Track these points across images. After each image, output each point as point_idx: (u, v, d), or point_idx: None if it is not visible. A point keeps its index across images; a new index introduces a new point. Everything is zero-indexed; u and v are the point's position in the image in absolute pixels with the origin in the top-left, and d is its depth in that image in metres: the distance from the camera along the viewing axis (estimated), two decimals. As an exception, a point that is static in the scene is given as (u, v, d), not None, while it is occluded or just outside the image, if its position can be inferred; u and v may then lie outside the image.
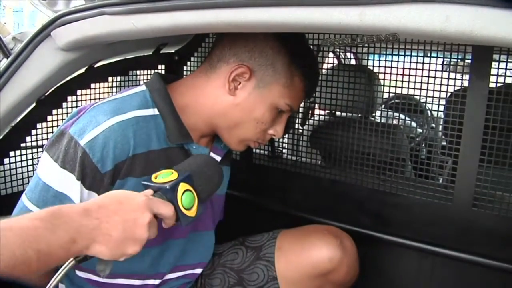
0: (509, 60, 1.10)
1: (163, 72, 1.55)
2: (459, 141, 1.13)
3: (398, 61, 1.24)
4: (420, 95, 1.20)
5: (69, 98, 1.32)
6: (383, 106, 1.77)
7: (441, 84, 1.17)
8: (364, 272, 1.16)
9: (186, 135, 1.00)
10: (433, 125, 2.49)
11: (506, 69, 1.12)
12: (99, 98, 1.39)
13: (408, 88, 1.21)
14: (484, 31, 0.66)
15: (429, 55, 1.19)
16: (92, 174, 0.89)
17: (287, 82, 0.99)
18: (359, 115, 1.37)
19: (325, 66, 1.74)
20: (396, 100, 1.77)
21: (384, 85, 1.37)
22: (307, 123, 1.56)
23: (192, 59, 1.56)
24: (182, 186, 0.80)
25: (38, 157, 1.30)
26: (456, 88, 1.19)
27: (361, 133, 1.29)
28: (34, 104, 1.20)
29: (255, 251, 1.15)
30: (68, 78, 1.23)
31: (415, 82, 1.19)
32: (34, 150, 1.32)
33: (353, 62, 2.35)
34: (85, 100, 1.37)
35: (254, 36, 0.98)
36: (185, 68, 1.57)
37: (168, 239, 1.04)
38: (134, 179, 0.92)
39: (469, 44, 1.03)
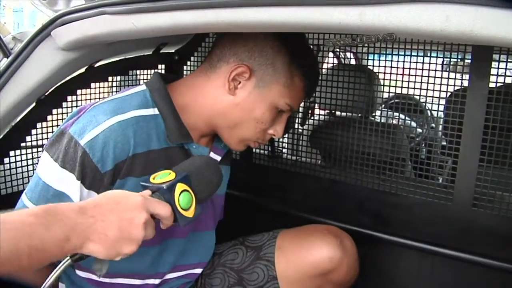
0: (509, 60, 1.11)
1: (163, 71, 1.55)
2: (459, 141, 1.13)
3: (398, 61, 1.24)
4: (420, 95, 1.20)
5: (69, 98, 1.32)
6: (383, 106, 1.78)
7: (441, 84, 1.17)
8: (364, 272, 1.16)
9: (186, 134, 1.00)
10: (433, 125, 2.49)
11: (506, 69, 1.13)
12: (99, 98, 1.39)
13: (408, 88, 1.21)
14: (484, 31, 0.66)
15: (429, 55, 1.19)
16: (92, 173, 0.89)
17: (287, 81, 0.99)
18: (359, 115, 1.37)
19: (325, 66, 1.74)
20: (396, 100, 1.77)
21: (384, 85, 1.37)
22: (307, 123, 1.56)
23: (192, 58, 1.56)
24: (180, 187, 0.80)
25: (38, 157, 1.30)
26: (456, 88, 1.19)
27: (361, 133, 1.29)
28: (34, 104, 1.20)
29: (255, 251, 1.15)
30: (68, 78, 1.23)
31: (415, 82, 1.20)
32: (34, 150, 1.32)
33: (353, 62, 2.35)
34: (85, 99, 1.37)
35: (254, 35, 0.98)
36: (185, 67, 1.57)
37: (168, 239, 1.04)
38: (134, 179, 0.92)
39: (469, 44, 1.03)
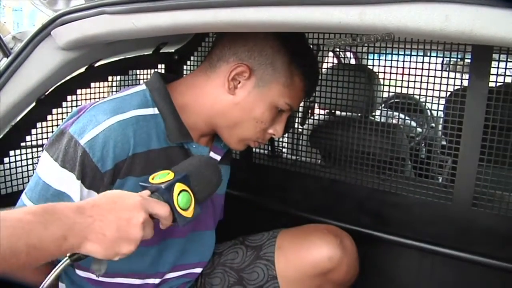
0: (508, 60, 1.11)
1: (163, 71, 1.55)
2: (459, 141, 1.13)
3: (398, 61, 1.24)
4: (420, 95, 1.20)
5: (69, 98, 1.32)
6: (383, 105, 1.78)
7: (440, 84, 1.17)
8: (364, 271, 1.16)
9: (186, 134, 1.00)
10: (433, 125, 2.49)
11: (505, 68, 1.13)
12: (99, 98, 1.39)
13: (408, 87, 1.21)
14: (484, 30, 0.66)
15: (429, 54, 1.19)
16: (92, 173, 0.89)
17: (287, 81, 0.99)
18: (359, 114, 1.37)
19: (325, 65, 1.74)
20: (396, 100, 1.77)
21: (384, 85, 1.37)
22: (307, 122, 1.56)
23: (192, 58, 1.56)
24: (178, 187, 0.80)
25: (38, 157, 1.30)
26: (456, 87, 1.19)
27: (361, 132, 1.29)
28: (34, 104, 1.20)
29: (255, 251, 1.16)
30: (68, 78, 1.23)
31: (414, 81, 1.20)
32: (34, 150, 1.32)
33: (353, 61, 2.35)
34: (85, 99, 1.37)
35: (254, 35, 0.98)
36: (185, 67, 1.57)
37: (168, 239, 1.04)
38: (134, 178, 0.92)
39: (468, 43, 1.03)
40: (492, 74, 1.08)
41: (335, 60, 2.18)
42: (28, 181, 1.01)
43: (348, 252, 1.09)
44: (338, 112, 1.46)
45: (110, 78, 1.43)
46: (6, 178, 1.28)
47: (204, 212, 1.11)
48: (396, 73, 1.25)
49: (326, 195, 1.38)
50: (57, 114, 1.31)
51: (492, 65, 1.08)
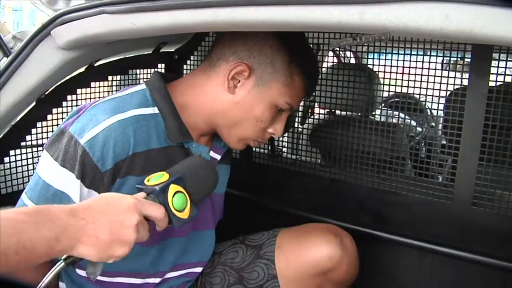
0: (508, 59, 1.11)
1: (163, 71, 1.55)
2: (459, 140, 1.13)
3: (398, 60, 1.24)
4: (420, 94, 1.20)
5: (69, 97, 1.32)
6: (382, 105, 1.78)
7: (440, 83, 1.17)
8: (364, 270, 1.16)
9: (186, 133, 1.00)
10: (433, 124, 2.49)
11: (505, 67, 1.13)
12: (99, 97, 1.39)
13: (408, 87, 1.21)
14: (484, 30, 0.66)
15: (428, 53, 1.19)
16: (92, 172, 0.89)
17: (287, 80, 0.99)
18: (359, 114, 1.37)
19: (325, 64, 1.74)
20: (396, 99, 1.77)
21: (383, 84, 1.37)
22: (307, 122, 1.56)
23: (192, 58, 1.56)
24: (173, 188, 0.79)
25: (38, 156, 1.30)
26: (456, 86, 1.20)
27: (361, 132, 1.29)
28: (34, 103, 1.20)
29: (255, 250, 1.16)
30: (68, 77, 1.23)
31: (414, 81, 1.20)
32: (34, 149, 1.32)
33: (352, 60, 2.35)
34: (85, 99, 1.37)
35: (253, 34, 0.98)
36: (185, 67, 1.57)
37: (168, 238, 1.04)
38: (134, 178, 0.92)
39: (468, 43, 1.03)
40: (492, 74, 1.08)
41: (335, 60, 2.18)
42: (29, 180, 1.01)
43: (348, 251, 1.09)
44: (338, 112, 1.46)
45: (110, 77, 1.43)
46: (6, 177, 1.28)
47: (204, 212, 1.11)
48: (396, 73, 1.25)
49: (326, 194, 1.38)
50: (57, 113, 1.31)
51: (492, 65, 1.08)
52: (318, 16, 0.76)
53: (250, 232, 1.22)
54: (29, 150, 1.31)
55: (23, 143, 1.29)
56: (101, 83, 1.40)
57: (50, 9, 1.19)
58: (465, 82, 1.12)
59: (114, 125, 0.90)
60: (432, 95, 1.18)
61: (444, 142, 1.47)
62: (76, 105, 1.32)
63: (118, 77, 1.48)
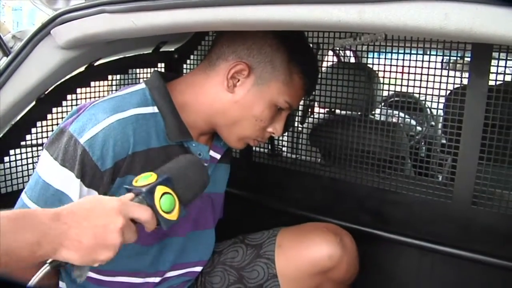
0: (508, 58, 1.11)
1: (162, 70, 1.55)
2: (459, 139, 1.13)
3: (397, 59, 1.24)
4: (419, 93, 1.20)
5: (69, 96, 1.32)
6: (382, 104, 1.77)
7: (440, 82, 1.17)
8: (364, 269, 1.16)
9: (185, 133, 1.00)
10: (433, 123, 2.49)
11: (505, 66, 1.13)
12: (99, 96, 1.39)
13: (407, 86, 1.21)
14: (484, 29, 0.66)
15: (428, 53, 1.19)
16: (92, 172, 0.89)
17: (286, 79, 0.99)
18: (359, 113, 1.37)
19: (324, 64, 1.74)
20: (395, 98, 1.77)
21: (383, 83, 1.37)
22: (306, 121, 1.56)
23: (191, 57, 1.56)
24: (160, 189, 0.77)
25: (38, 155, 1.30)
26: (456, 86, 1.19)
27: (360, 131, 1.29)
28: (34, 103, 1.20)
29: (255, 249, 1.16)
30: (68, 77, 1.23)
31: (414, 80, 1.19)
32: (34, 148, 1.32)
33: (352, 60, 2.35)
34: (85, 98, 1.37)
35: (253, 33, 0.98)
36: (184, 66, 1.57)
37: (168, 237, 1.04)
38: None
39: (468, 42, 1.03)
40: (492, 73, 1.08)
41: (335, 59, 2.18)
42: (28, 180, 1.01)
43: (348, 250, 1.09)
44: (338, 111, 1.46)
45: (110, 77, 1.43)
46: (6, 177, 1.28)
47: (203, 211, 1.11)
48: (396, 72, 1.25)
49: (326, 193, 1.38)
50: (57, 113, 1.31)
51: (492, 64, 1.08)
52: (318, 15, 0.76)
53: (250, 231, 1.22)
54: (29, 149, 1.31)
55: (23, 143, 1.29)
56: (101, 83, 1.40)
57: (50, 9, 1.19)
58: (465, 81, 1.12)
59: (114, 124, 0.90)
60: (432, 94, 1.18)
61: (444, 141, 1.47)
62: (76, 105, 1.32)
63: (118, 77, 1.48)
